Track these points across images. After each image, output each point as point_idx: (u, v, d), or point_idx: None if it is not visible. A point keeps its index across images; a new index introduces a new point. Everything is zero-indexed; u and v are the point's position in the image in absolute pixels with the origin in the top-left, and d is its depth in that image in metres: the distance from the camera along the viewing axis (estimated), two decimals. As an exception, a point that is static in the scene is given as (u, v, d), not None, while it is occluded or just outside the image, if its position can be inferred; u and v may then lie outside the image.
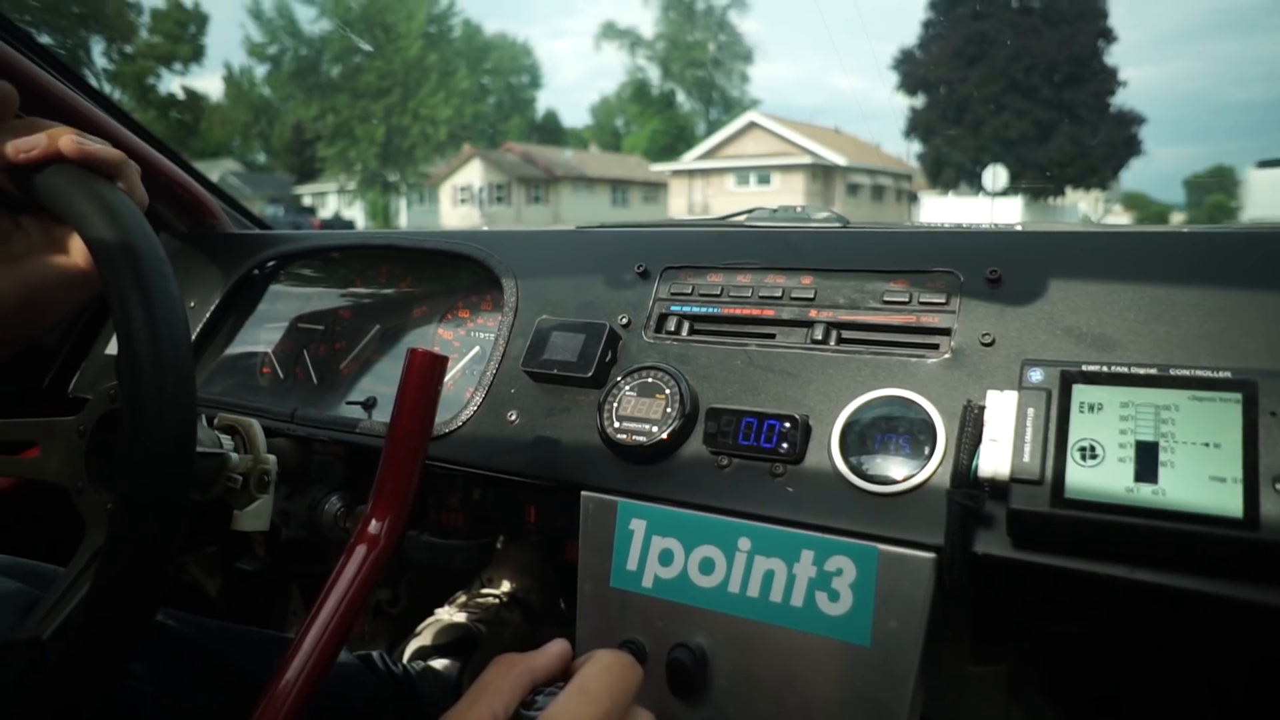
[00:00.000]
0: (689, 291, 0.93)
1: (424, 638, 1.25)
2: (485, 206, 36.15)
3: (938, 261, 0.83)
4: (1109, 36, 26.67)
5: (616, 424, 0.84)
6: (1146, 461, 0.62)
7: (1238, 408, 0.61)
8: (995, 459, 0.66)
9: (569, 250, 1.06)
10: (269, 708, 0.60)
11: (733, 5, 51.68)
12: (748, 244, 0.95)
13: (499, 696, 0.56)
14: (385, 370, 1.16)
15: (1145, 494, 0.61)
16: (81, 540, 0.66)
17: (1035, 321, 0.76)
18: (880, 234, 0.91)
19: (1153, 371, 0.65)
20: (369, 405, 1.06)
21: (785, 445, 0.77)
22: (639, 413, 0.84)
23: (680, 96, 53.64)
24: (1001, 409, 0.68)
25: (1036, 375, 0.68)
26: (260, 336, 1.27)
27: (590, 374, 0.89)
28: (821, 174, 31.18)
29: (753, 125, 33.13)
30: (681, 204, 33.15)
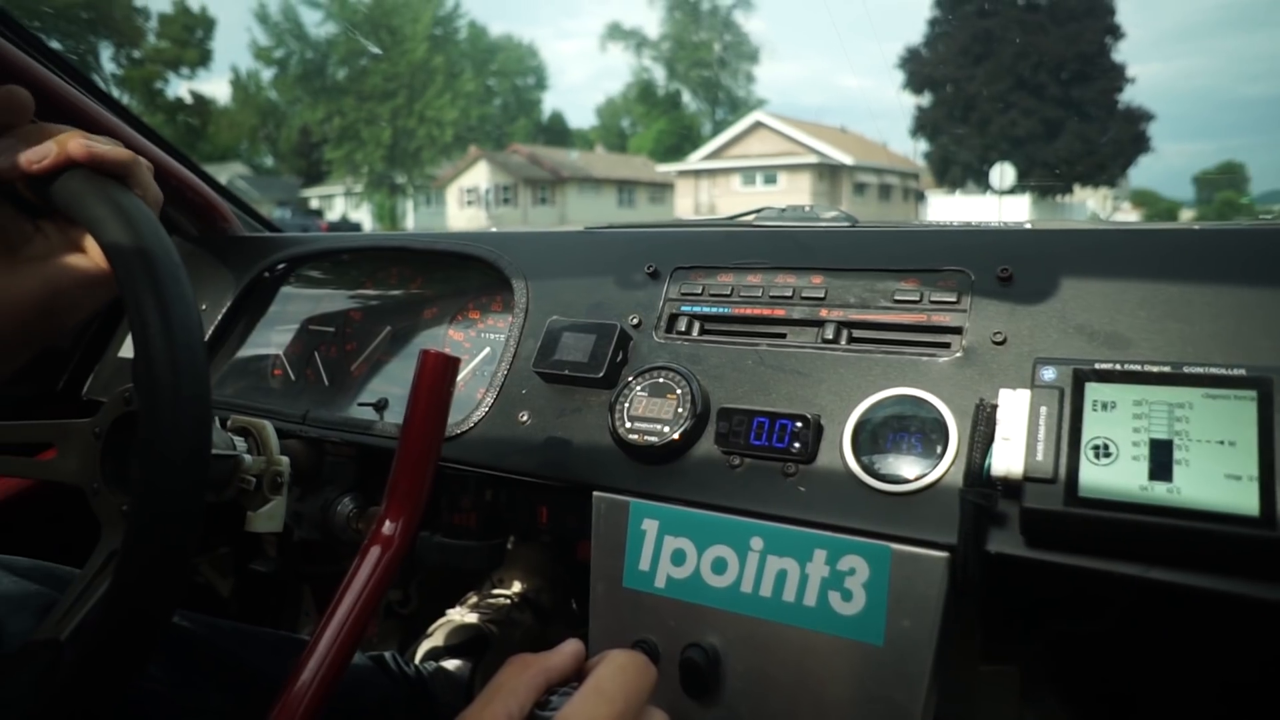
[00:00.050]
0: (699, 291, 0.93)
1: (436, 638, 1.25)
2: (491, 208, 36.19)
3: (948, 260, 0.83)
4: (1116, 33, 26.59)
5: (628, 424, 0.84)
6: (1161, 460, 0.62)
7: (1253, 405, 0.61)
8: (1008, 458, 0.66)
9: (579, 251, 1.07)
10: (284, 710, 0.60)
11: (738, 5, 51.66)
12: (757, 244, 0.95)
13: (514, 697, 0.56)
14: (396, 372, 1.16)
15: (1160, 492, 0.61)
16: (97, 542, 0.66)
17: (1047, 320, 0.76)
18: (890, 233, 0.91)
19: (1166, 369, 0.64)
20: (380, 406, 1.07)
21: (797, 445, 0.77)
22: (650, 413, 0.84)
23: (686, 97, 53.65)
24: (1014, 407, 0.68)
25: (1049, 373, 0.68)
26: (272, 339, 1.28)
27: (601, 374, 0.89)
28: (828, 173, 31.14)
29: (759, 125, 33.10)
30: (688, 204, 33.15)
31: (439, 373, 0.70)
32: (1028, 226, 0.89)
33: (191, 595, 1.41)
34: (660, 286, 0.96)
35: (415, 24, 38.34)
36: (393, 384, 1.14)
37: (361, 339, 1.21)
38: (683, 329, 0.92)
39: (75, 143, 0.60)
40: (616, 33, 54.90)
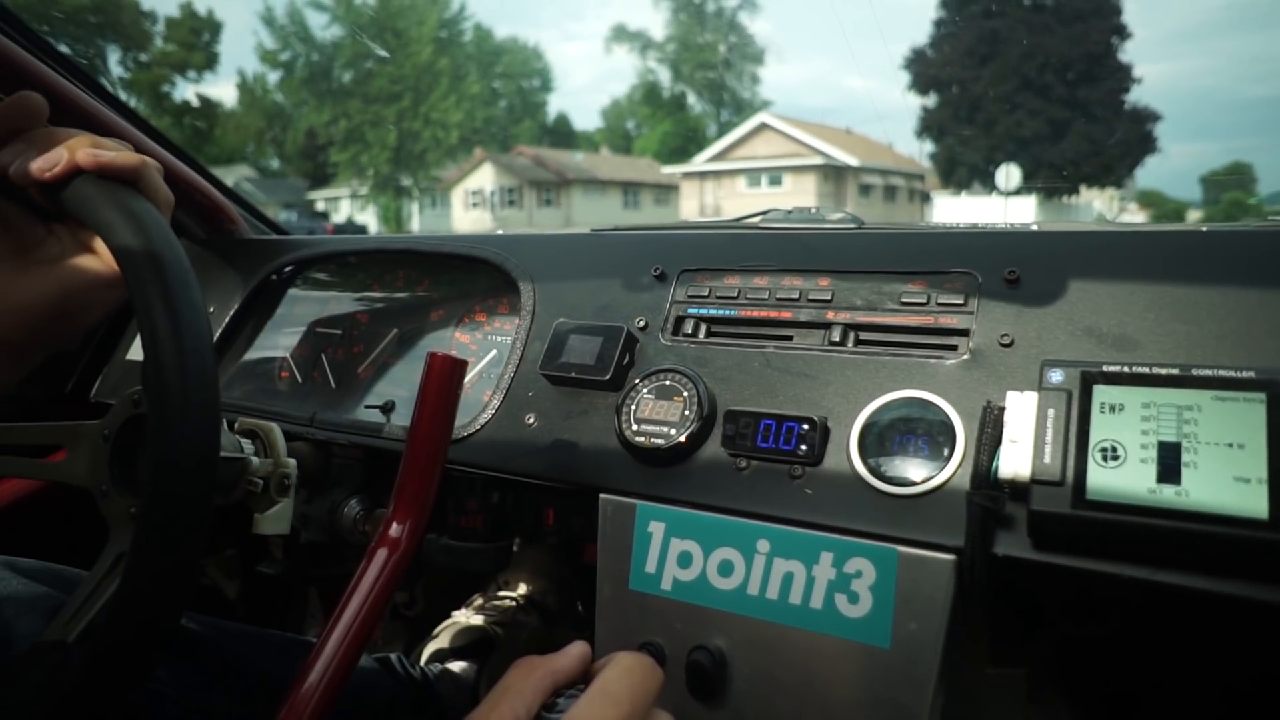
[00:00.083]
0: (706, 294, 0.93)
1: (441, 640, 1.25)
2: (497, 210, 36.25)
3: (955, 262, 0.83)
4: (1122, 33, 26.51)
5: (635, 426, 0.84)
6: (1169, 462, 0.62)
7: (1262, 408, 0.60)
8: (1015, 460, 0.66)
9: (585, 253, 1.07)
10: (291, 711, 0.61)
11: (743, 6, 51.70)
12: (764, 246, 0.95)
13: (520, 699, 0.56)
14: (402, 374, 1.16)
15: (1168, 495, 0.61)
16: (105, 544, 0.66)
17: (1054, 322, 0.75)
18: (896, 235, 0.91)
19: (1174, 372, 0.64)
20: (387, 409, 1.07)
21: (804, 447, 0.77)
22: (657, 415, 0.84)
23: (691, 98, 53.68)
24: (1021, 410, 0.68)
25: (1056, 376, 0.68)
26: (279, 341, 1.28)
27: (608, 377, 0.89)
28: (833, 175, 31.12)
29: (764, 126, 33.10)
30: (693, 206, 33.15)
31: (446, 376, 0.71)
32: (1034, 228, 0.89)
33: (198, 597, 1.42)
34: (667, 289, 0.96)
35: (421, 26, 38.41)
36: (399, 386, 1.15)
37: (368, 341, 1.21)
38: (689, 331, 0.92)
39: (83, 152, 0.60)
40: (621, 35, 54.98)
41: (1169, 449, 0.62)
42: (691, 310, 0.93)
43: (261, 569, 1.33)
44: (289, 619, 1.52)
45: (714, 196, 32.76)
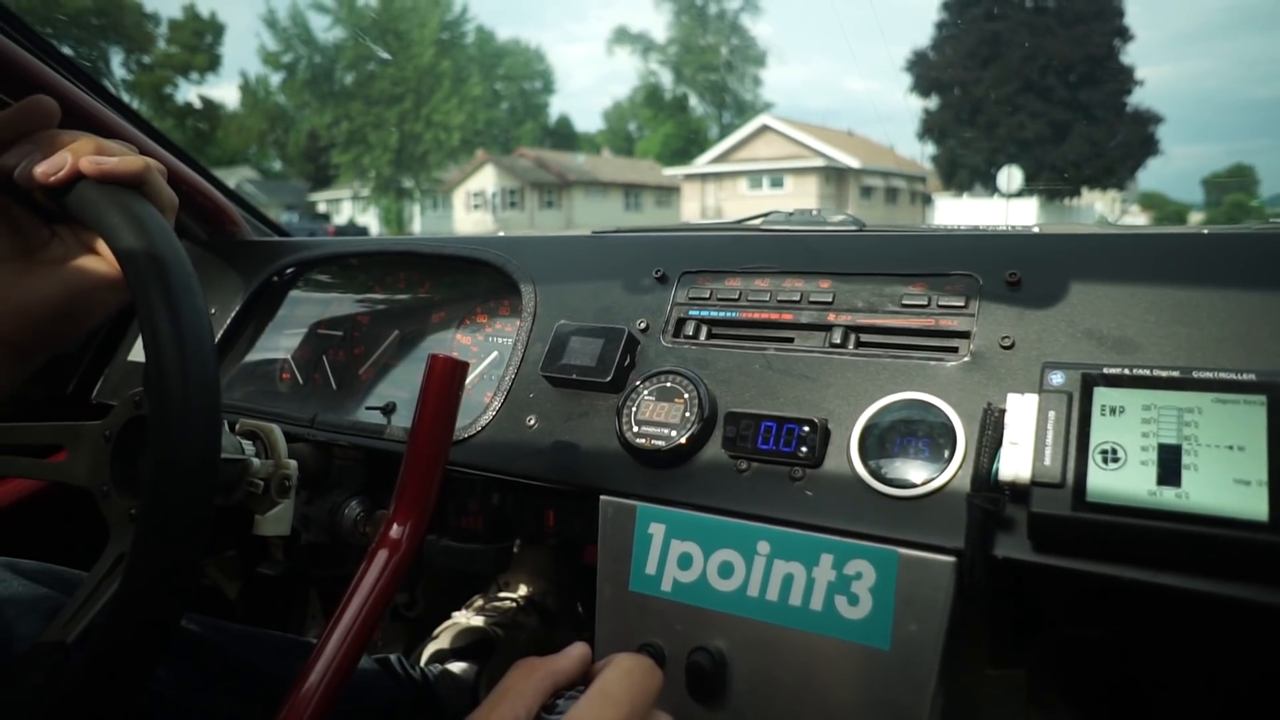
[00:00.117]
0: (707, 296, 0.93)
1: (441, 641, 1.26)
2: (498, 212, 36.27)
3: (956, 264, 0.83)
4: (1125, 35, 26.49)
5: (635, 428, 0.84)
6: (1169, 465, 0.62)
7: (1262, 410, 0.60)
8: (1016, 462, 0.66)
9: (587, 255, 1.07)
10: (291, 712, 0.61)
11: (745, 8, 51.71)
12: (765, 248, 0.95)
13: (520, 700, 0.57)
14: (403, 376, 1.17)
15: (1168, 497, 0.61)
16: (105, 544, 0.67)
17: (1055, 324, 0.75)
18: (897, 237, 0.91)
19: (1175, 374, 0.64)
20: (388, 410, 1.07)
21: (804, 449, 0.77)
22: (658, 417, 0.84)
23: (693, 100, 53.68)
24: (1022, 412, 0.68)
25: (1057, 378, 0.68)
26: (280, 343, 1.29)
27: (609, 378, 0.89)
28: (835, 177, 31.10)
29: (765, 128, 33.09)
30: (694, 208, 33.14)
31: (447, 377, 0.71)
32: (1036, 231, 0.89)
33: (199, 598, 1.42)
34: (668, 290, 0.96)
35: (423, 29, 38.46)
36: (400, 388, 1.15)
37: (369, 343, 1.22)
38: (690, 333, 0.92)
39: (86, 160, 0.60)
40: (623, 37, 55.01)
41: (1169, 451, 0.62)
42: (692, 312, 0.93)
43: (262, 570, 1.33)
44: (289, 620, 1.52)
45: (715, 198, 32.76)
